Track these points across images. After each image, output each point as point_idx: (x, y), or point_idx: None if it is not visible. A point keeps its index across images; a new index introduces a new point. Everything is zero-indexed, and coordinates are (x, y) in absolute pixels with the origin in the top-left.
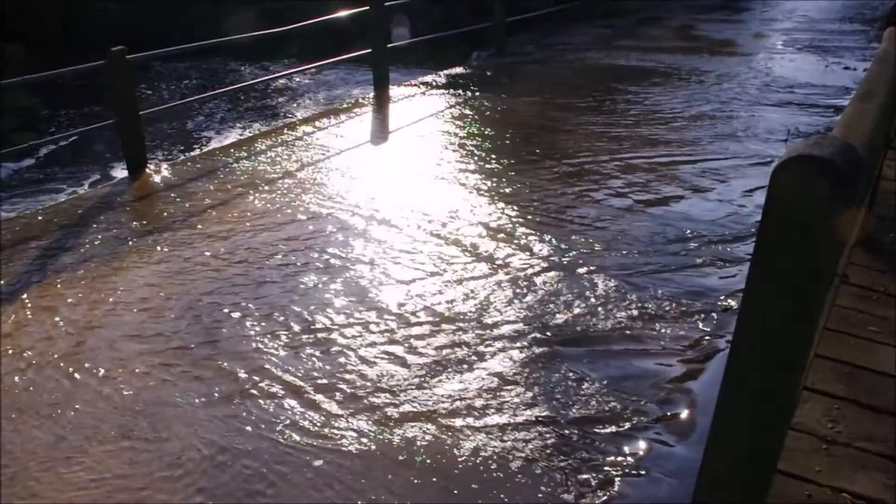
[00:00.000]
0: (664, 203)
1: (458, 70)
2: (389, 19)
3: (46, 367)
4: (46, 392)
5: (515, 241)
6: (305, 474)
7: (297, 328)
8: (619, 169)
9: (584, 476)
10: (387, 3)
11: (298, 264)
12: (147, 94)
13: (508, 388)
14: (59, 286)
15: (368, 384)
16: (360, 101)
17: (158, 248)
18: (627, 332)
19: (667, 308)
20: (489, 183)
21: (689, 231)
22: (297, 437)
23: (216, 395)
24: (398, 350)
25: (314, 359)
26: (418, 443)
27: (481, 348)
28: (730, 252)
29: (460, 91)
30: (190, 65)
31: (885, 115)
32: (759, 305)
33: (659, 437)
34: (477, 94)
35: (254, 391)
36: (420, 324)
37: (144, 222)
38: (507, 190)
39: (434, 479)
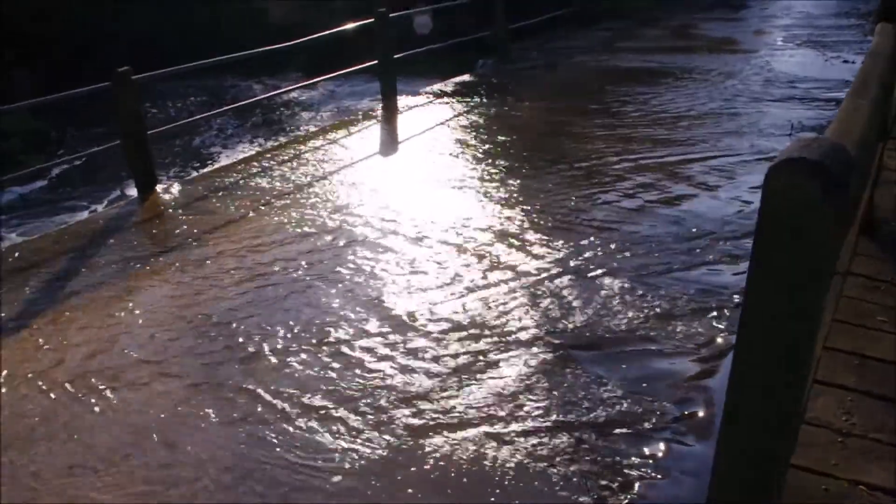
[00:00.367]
0: (673, 202)
1: (465, 78)
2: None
3: (58, 390)
4: (58, 415)
5: (528, 246)
6: (326, 489)
7: (313, 341)
8: (628, 170)
9: (604, 480)
10: (391, 15)
11: (312, 278)
12: (153, 113)
13: (526, 393)
14: (71, 309)
15: (386, 395)
16: (369, 112)
17: (171, 268)
18: (642, 332)
19: (680, 307)
20: (499, 189)
21: (699, 229)
22: (315, 452)
23: (234, 412)
24: (415, 361)
25: (332, 372)
26: (438, 453)
27: (497, 355)
28: (740, 248)
29: (467, 99)
30: (196, 81)
31: (879, 109)
32: (758, 304)
33: (677, 437)
34: (483, 101)
35: (272, 407)
36: (436, 333)
37: (156, 242)
38: (518, 195)
39: (454, 489)
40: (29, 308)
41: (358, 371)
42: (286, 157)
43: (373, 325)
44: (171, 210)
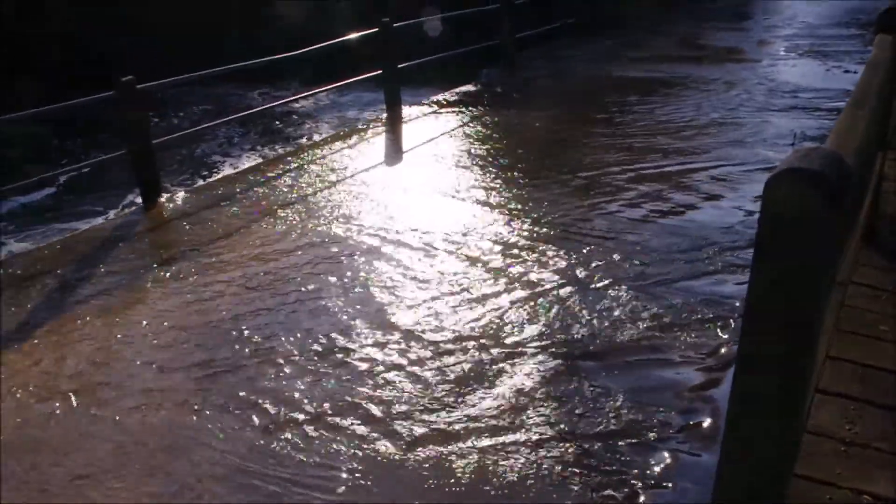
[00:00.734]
0: (677, 212)
1: (469, 88)
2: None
3: (64, 400)
4: (65, 426)
5: (531, 257)
6: (328, 499)
7: (318, 350)
8: (632, 180)
9: (610, 491)
10: (396, 25)
11: (317, 288)
12: (156, 122)
13: (530, 404)
14: (76, 318)
15: (390, 405)
16: (373, 122)
17: (176, 278)
18: (646, 342)
19: (684, 317)
20: (503, 199)
21: (702, 239)
22: (320, 461)
23: (238, 422)
24: (419, 370)
25: (336, 381)
26: (442, 463)
27: (502, 365)
28: (743, 258)
29: (471, 108)
30: (200, 90)
31: (879, 119)
32: (759, 313)
33: (683, 447)
34: (488, 110)
35: (277, 417)
36: (440, 343)
37: (161, 252)
38: (522, 205)
39: (458, 500)
40: (34, 317)
41: (361, 381)
42: (290, 167)
43: (377, 335)
44: (175, 219)
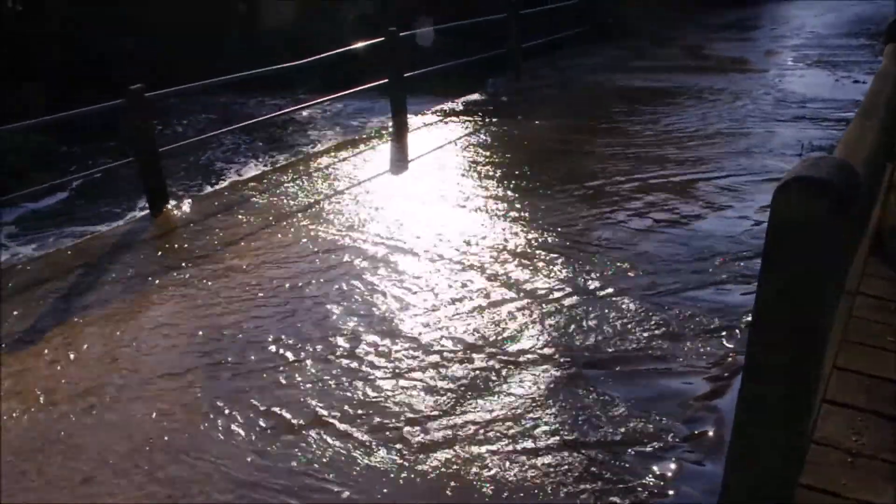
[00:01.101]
0: (683, 222)
1: (475, 97)
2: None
3: (71, 405)
4: (72, 431)
5: (537, 266)
6: None
7: (322, 359)
8: (638, 189)
9: (614, 498)
10: (402, 34)
11: (322, 295)
12: (159, 129)
13: (535, 412)
14: (83, 325)
15: (395, 412)
16: (379, 130)
17: (181, 284)
18: (651, 352)
19: (690, 327)
20: (509, 208)
21: (708, 249)
22: (324, 469)
23: (243, 427)
24: (424, 378)
25: (341, 388)
26: (446, 471)
27: (506, 374)
28: (749, 268)
29: (477, 117)
30: (202, 98)
31: (888, 130)
32: (767, 320)
33: (688, 456)
34: (494, 119)
35: (281, 424)
36: (445, 351)
37: (167, 259)
38: (527, 214)
39: None
40: (41, 322)
41: (366, 387)
42: (296, 175)
43: (383, 343)
44: (182, 227)
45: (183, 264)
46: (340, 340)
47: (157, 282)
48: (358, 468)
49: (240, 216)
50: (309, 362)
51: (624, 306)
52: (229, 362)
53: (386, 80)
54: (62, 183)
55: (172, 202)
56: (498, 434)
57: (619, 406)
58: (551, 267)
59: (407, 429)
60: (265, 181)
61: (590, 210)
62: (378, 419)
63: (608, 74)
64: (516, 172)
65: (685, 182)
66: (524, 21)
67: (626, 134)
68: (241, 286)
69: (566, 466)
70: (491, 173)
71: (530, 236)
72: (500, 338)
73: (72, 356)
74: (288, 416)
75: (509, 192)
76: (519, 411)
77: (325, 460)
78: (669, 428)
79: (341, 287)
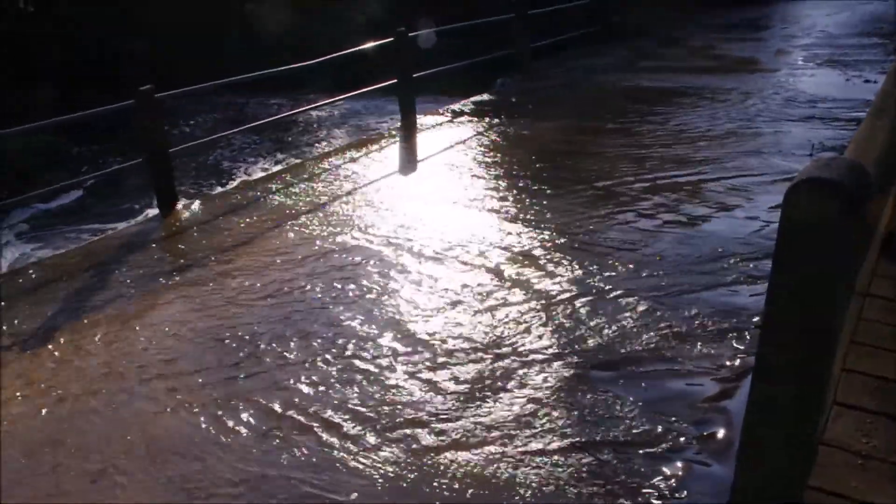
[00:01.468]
0: (692, 223)
1: (484, 97)
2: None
3: (78, 404)
4: (79, 430)
5: (546, 266)
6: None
7: (331, 360)
8: (647, 190)
9: (623, 500)
10: (411, 35)
11: (331, 297)
12: (166, 129)
13: (544, 413)
14: (92, 325)
15: (404, 413)
16: (388, 131)
17: (191, 284)
18: (660, 353)
19: (699, 328)
20: (518, 209)
21: (718, 250)
22: (332, 470)
23: (251, 428)
24: (433, 379)
25: (350, 390)
26: (454, 471)
27: (515, 375)
28: (759, 269)
29: (486, 118)
30: (212, 99)
31: None
32: (777, 320)
33: (697, 458)
34: (503, 120)
35: (290, 424)
36: (453, 352)
37: (177, 259)
38: (536, 215)
39: None
40: (51, 321)
41: (374, 388)
42: (305, 176)
43: (391, 343)
44: (192, 227)
45: (192, 264)
46: (349, 340)
47: (166, 282)
48: (364, 469)
49: (249, 217)
50: (318, 363)
51: (633, 307)
52: (238, 362)
53: (394, 81)
54: (72, 184)
55: (182, 202)
56: (507, 434)
57: (629, 407)
58: (560, 267)
59: (413, 429)
60: (275, 181)
61: (599, 211)
62: (384, 419)
63: (617, 74)
64: (525, 172)
65: (695, 182)
66: (532, 21)
67: (636, 134)
68: (249, 286)
69: (575, 467)
70: (500, 174)
71: (540, 237)
72: (508, 338)
73: (81, 354)
74: (295, 416)
75: (518, 193)
76: (528, 412)
77: (330, 461)
78: (678, 429)
79: (350, 287)
